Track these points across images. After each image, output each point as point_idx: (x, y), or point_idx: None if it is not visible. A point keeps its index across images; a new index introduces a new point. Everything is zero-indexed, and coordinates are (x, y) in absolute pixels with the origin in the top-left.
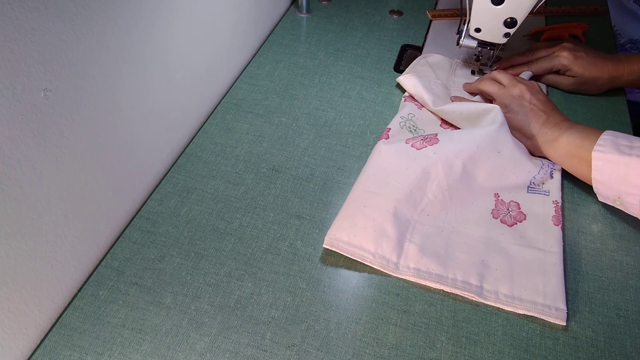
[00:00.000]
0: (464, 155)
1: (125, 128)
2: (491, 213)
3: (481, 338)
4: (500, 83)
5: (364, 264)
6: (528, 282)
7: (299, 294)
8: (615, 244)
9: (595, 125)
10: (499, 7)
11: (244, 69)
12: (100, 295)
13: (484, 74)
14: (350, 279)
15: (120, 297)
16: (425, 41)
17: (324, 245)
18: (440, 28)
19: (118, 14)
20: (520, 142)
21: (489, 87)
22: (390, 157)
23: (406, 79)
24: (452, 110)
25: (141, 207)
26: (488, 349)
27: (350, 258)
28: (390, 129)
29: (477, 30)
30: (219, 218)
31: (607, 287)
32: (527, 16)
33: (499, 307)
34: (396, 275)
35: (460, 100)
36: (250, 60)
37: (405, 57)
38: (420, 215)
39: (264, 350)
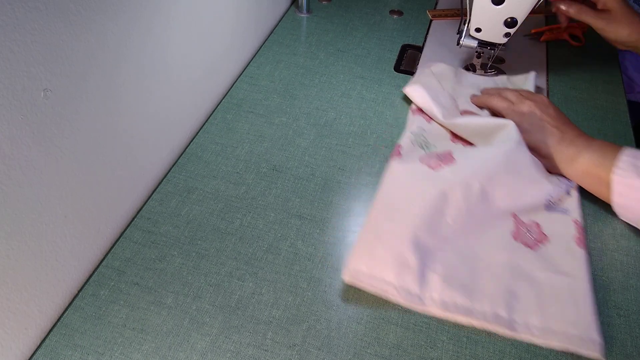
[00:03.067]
0: (481, 176)
1: (125, 128)
2: (512, 235)
3: (482, 338)
4: (508, 99)
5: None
6: (558, 311)
7: (299, 293)
8: (615, 244)
9: (596, 125)
10: (499, 7)
11: (244, 69)
12: (101, 295)
13: (484, 70)
14: None
15: (121, 297)
16: (425, 41)
17: (343, 278)
18: (440, 28)
19: (118, 14)
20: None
21: (497, 103)
22: (406, 179)
23: (413, 90)
24: (464, 124)
25: (142, 207)
26: (489, 349)
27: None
28: (401, 146)
29: (478, 30)
30: (220, 218)
31: (608, 286)
32: (527, 16)
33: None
34: (421, 309)
35: (471, 114)
36: (251, 60)
37: (406, 57)
38: (440, 241)
39: (265, 350)
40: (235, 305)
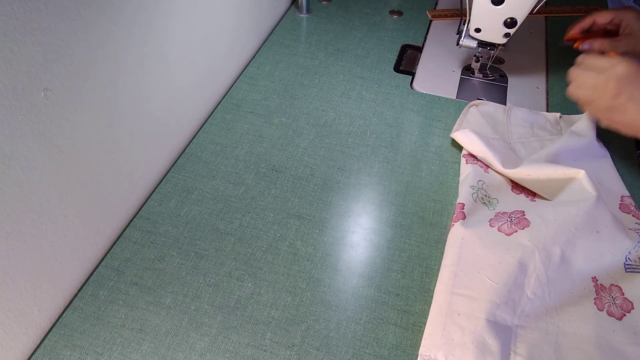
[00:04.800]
0: (561, 240)
1: (125, 128)
2: (594, 304)
3: None
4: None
5: None
6: None
7: (298, 294)
8: None
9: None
10: (499, 7)
11: (244, 69)
12: (101, 295)
13: (483, 74)
14: (350, 279)
15: (120, 297)
16: (425, 41)
17: None
18: (440, 28)
19: (118, 14)
20: None
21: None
22: (477, 247)
23: (463, 135)
24: (527, 173)
25: (141, 207)
26: None
27: None
28: (463, 205)
29: (477, 30)
30: (219, 218)
31: None
32: (527, 16)
33: None
34: None
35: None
36: (250, 60)
37: (405, 57)
38: (520, 318)
39: (264, 350)
40: (234, 306)
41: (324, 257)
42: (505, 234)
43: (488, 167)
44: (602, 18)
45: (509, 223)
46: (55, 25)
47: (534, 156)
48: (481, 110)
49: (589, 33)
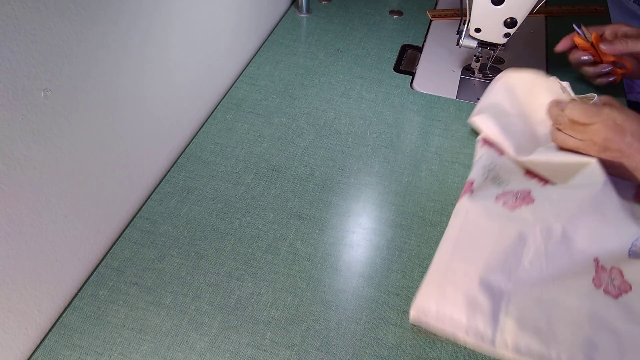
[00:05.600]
0: (564, 218)
1: (125, 128)
2: (593, 282)
3: None
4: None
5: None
6: None
7: (298, 294)
8: None
9: None
10: (499, 7)
11: (244, 69)
12: (100, 295)
13: (483, 74)
14: (350, 279)
15: (120, 297)
16: (425, 41)
17: (410, 320)
18: (440, 28)
19: (118, 14)
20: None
21: (567, 142)
22: (480, 218)
23: (481, 121)
24: (540, 161)
25: (141, 207)
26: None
27: None
28: (473, 181)
29: (477, 30)
30: (219, 218)
31: None
32: (527, 16)
33: None
34: (492, 351)
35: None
36: (250, 60)
37: (405, 57)
38: (515, 284)
39: (264, 350)
40: (234, 306)
41: (324, 257)
42: (509, 208)
43: (503, 152)
44: (596, 30)
45: (513, 200)
46: (55, 25)
47: (549, 144)
48: (510, 81)
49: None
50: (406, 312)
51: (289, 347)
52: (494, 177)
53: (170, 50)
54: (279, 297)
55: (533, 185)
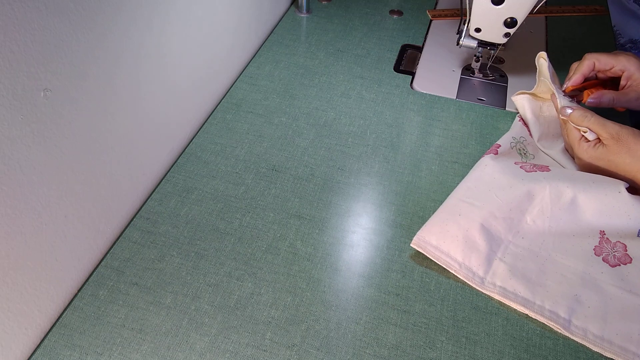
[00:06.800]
0: (576, 185)
1: (125, 128)
2: (593, 250)
3: (481, 338)
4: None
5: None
6: (622, 326)
7: (298, 294)
8: None
9: None
10: (499, 7)
11: (244, 69)
12: (100, 295)
13: (484, 74)
14: (350, 279)
15: (120, 297)
16: (425, 41)
17: (411, 244)
18: (440, 28)
19: (118, 14)
20: None
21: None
22: (496, 172)
23: (518, 100)
24: (558, 160)
25: (141, 207)
26: (488, 349)
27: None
28: (499, 145)
29: (477, 30)
30: (219, 218)
31: None
32: (527, 16)
33: (543, 324)
34: (479, 290)
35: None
36: (250, 60)
37: (405, 57)
38: (514, 237)
39: (264, 351)
40: (234, 306)
41: (324, 257)
42: (525, 170)
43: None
44: (602, 64)
45: (531, 166)
46: (55, 25)
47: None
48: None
49: (589, 81)
50: (406, 312)
51: (289, 347)
52: (521, 148)
53: (170, 50)
54: (279, 297)
55: (555, 164)
